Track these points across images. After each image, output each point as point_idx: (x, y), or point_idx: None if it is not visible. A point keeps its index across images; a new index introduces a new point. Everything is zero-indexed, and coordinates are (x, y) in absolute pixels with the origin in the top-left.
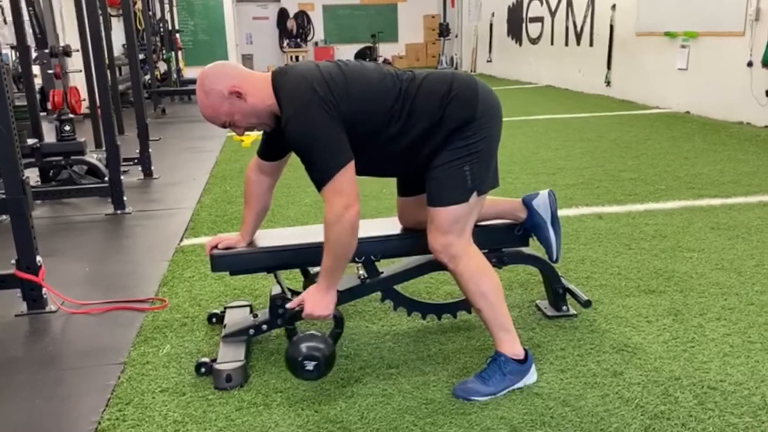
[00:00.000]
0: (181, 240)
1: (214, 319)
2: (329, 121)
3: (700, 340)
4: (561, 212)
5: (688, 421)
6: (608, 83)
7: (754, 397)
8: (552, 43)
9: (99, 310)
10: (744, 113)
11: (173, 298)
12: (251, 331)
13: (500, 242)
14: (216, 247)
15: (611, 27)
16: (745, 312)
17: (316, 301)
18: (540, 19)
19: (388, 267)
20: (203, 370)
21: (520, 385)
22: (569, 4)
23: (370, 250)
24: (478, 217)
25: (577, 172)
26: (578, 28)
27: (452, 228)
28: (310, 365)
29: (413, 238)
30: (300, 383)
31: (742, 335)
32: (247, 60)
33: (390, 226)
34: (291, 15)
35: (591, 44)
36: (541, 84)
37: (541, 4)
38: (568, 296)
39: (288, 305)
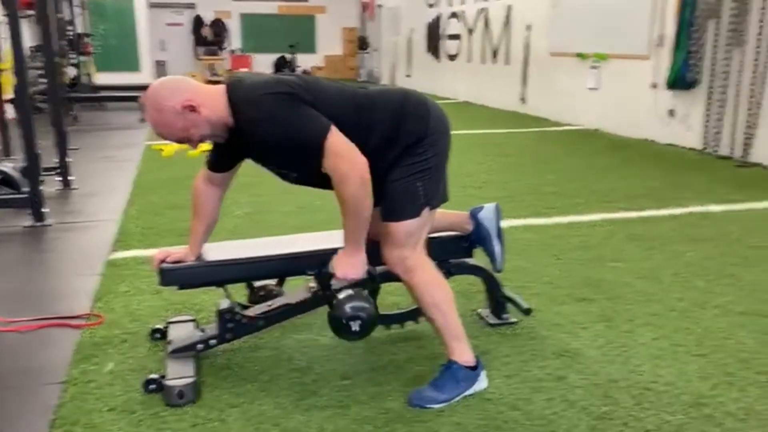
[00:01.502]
0: (111, 253)
1: (157, 335)
2: (298, 104)
3: (632, 344)
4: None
5: (629, 420)
6: (523, 100)
7: (683, 396)
8: (469, 60)
9: (29, 327)
10: (649, 131)
11: (109, 314)
12: (199, 346)
13: (447, 254)
14: (164, 260)
15: (526, 46)
16: (669, 318)
17: (347, 265)
18: (457, 37)
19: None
20: (152, 387)
21: (471, 391)
22: (486, 23)
23: (322, 263)
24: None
25: (501, 186)
26: (495, 47)
27: (406, 242)
28: (355, 325)
29: (369, 251)
30: (254, 398)
31: (669, 339)
32: (160, 66)
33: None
34: (207, 22)
35: (507, 62)
36: (459, 100)
37: (459, 21)
38: (508, 304)
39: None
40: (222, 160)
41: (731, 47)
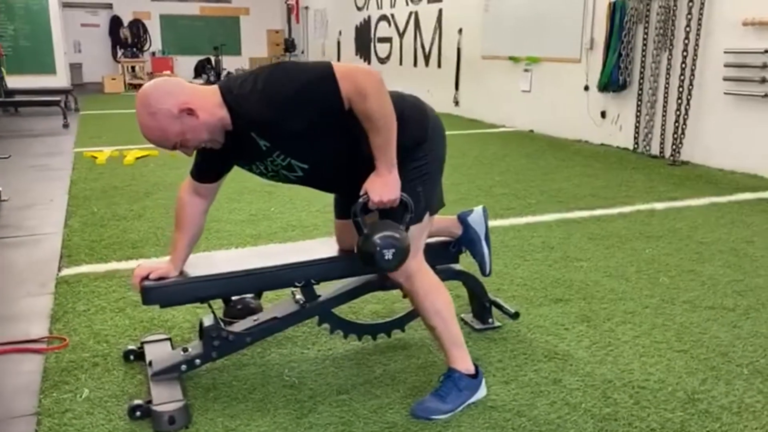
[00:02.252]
0: (60, 270)
1: (131, 356)
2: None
3: (616, 343)
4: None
5: (632, 420)
6: (456, 103)
7: (677, 392)
8: (401, 64)
9: None
10: (582, 132)
11: (73, 336)
12: (183, 367)
13: (436, 260)
14: (147, 277)
15: (458, 50)
16: (644, 315)
17: (382, 186)
18: (388, 40)
19: (324, 290)
20: (138, 413)
21: (473, 399)
22: (417, 26)
23: (311, 274)
24: None
25: (452, 188)
26: (427, 50)
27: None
28: (389, 254)
29: (355, 260)
30: (250, 419)
31: (649, 336)
32: (75, 69)
33: (328, 248)
34: (125, 23)
35: (439, 66)
36: None
37: (389, 25)
38: (493, 309)
39: (361, 200)
40: (209, 169)
41: (659, 50)
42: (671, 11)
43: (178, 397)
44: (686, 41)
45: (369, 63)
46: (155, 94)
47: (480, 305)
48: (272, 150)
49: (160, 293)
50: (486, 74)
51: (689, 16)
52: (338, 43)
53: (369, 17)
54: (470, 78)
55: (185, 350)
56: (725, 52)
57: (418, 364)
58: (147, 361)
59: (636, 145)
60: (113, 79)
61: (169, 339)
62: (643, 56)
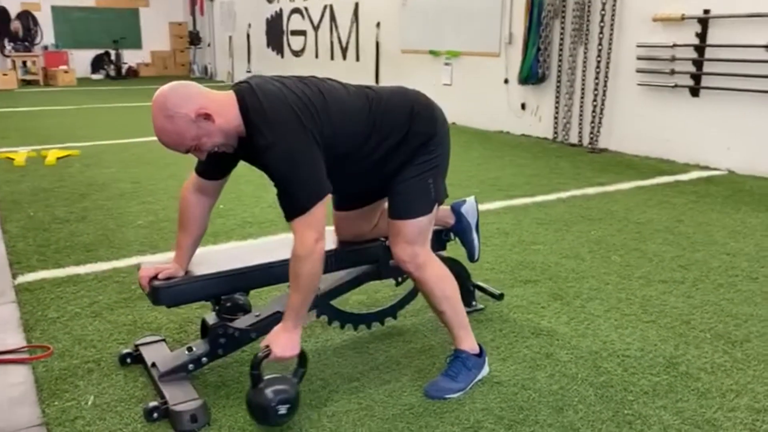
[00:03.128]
0: (15, 277)
1: (128, 360)
2: (312, 150)
3: (591, 318)
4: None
5: (627, 385)
6: None
7: (658, 358)
8: (317, 57)
9: None
10: (503, 123)
11: (54, 343)
12: (191, 366)
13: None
14: (155, 278)
15: (377, 44)
16: (607, 291)
17: (285, 342)
18: (302, 33)
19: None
20: (156, 415)
21: (479, 377)
22: (332, 19)
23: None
24: None
25: None
26: (344, 43)
27: (417, 239)
28: (283, 409)
29: (357, 251)
30: None
31: (618, 310)
32: None
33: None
34: (13, 15)
35: (357, 59)
36: None
37: (303, 18)
38: (477, 292)
39: (259, 352)
40: (217, 166)
41: (576, 45)
42: (586, 7)
43: (194, 395)
44: (601, 36)
45: (282, 56)
46: (173, 98)
47: (465, 289)
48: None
49: (170, 293)
50: (407, 68)
51: (603, 12)
52: (248, 36)
53: (281, 10)
54: (390, 72)
55: (190, 350)
56: (638, 46)
57: (418, 349)
58: (149, 363)
59: (555, 135)
60: (5, 74)
61: (164, 340)
62: (561, 50)
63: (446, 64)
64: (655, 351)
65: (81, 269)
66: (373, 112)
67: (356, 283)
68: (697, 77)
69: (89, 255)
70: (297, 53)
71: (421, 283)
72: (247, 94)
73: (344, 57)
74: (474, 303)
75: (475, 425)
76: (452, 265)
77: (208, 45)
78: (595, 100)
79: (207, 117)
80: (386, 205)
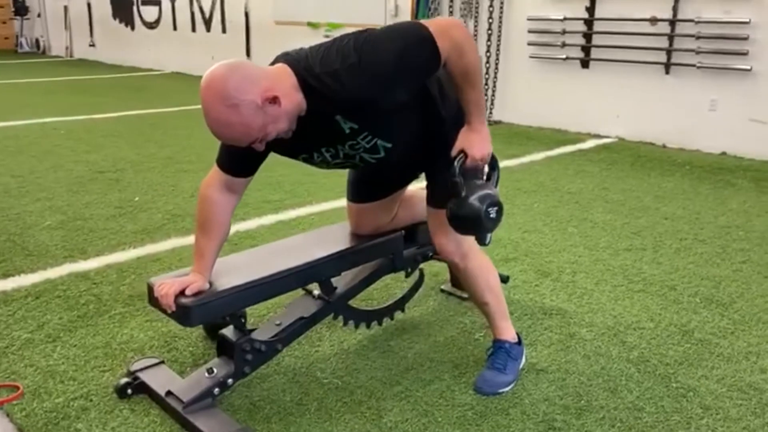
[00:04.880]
0: None
1: (128, 390)
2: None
3: (587, 293)
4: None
5: (660, 357)
6: None
7: (670, 327)
8: (175, 29)
9: None
10: None
11: (19, 380)
12: (216, 391)
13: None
14: (182, 294)
15: (246, 14)
16: (584, 264)
17: (478, 142)
18: (157, 2)
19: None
20: None
21: (521, 366)
22: None
23: (344, 265)
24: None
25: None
26: (207, 14)
27: None
28: (493, 212)
29: (377, 246)
30: (324, 430)
31: (607, 283)
32: None
33: (345, 234)
34: None
35: (224, 31)
36: (167, 71)
37: None
38: None
39: (454, 161)
40: (248, 159)
41: (465, 17)
42: None
43: (235, 425)
44: (491, 9)
45: (132, 29)
46: (234, 82)
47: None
48: (359, 132)
49: (204, 310)
50: (282, 40)
51: None
52: (88, 5)
53: None
54: (264, 44)
55: (210, 371)
56: (528, 20)
57: (441, 342)
58: (161, 392)
59: None
60: None
61: (162, 362)
62: None
63: (326, 36)
64: (664, 320)
65: (4, 285)
66: (439, 80)
67: (373, 279)
68: (586, 50)
69: (4, 267)
70: (151, 25)
71: (466, 274)
72: (301, 58)
73: (208, 29)
74: None
75: (546, 418)
76: None
77: (38, 15)
78: (487, 73)
79: (274, 101)
80: (406, 194)
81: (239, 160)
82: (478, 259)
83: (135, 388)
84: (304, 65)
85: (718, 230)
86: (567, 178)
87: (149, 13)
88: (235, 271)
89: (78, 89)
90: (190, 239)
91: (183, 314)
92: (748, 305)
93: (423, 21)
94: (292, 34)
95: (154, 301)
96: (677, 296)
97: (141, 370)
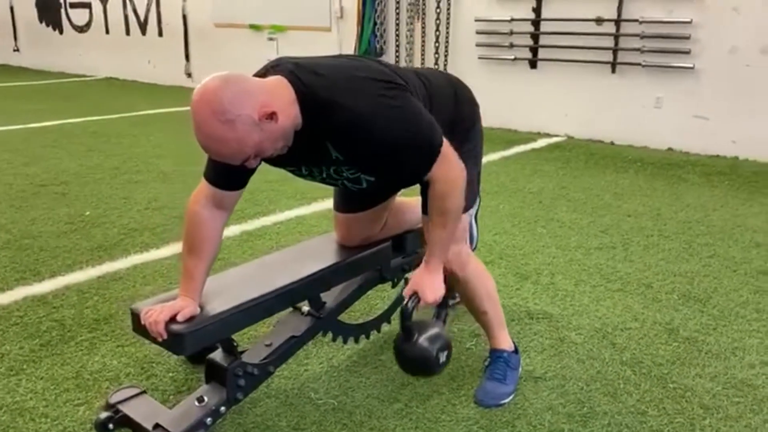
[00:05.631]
0: None
1: (110, 425)
2: (409, 95)
3: (568, 294)
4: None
5: (653, 358)
6: (189, 75)
7: (655, 326)
8: (107, 32)
9: None
10: None
11: None
12: (208, 420)
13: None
14: (173, 320)
15: (184, 17)
16: (559, 264)
17: (431, 285)
18: (86, 5)
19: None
20: None
21: (519, 374)
22: None
23: (337, 279)
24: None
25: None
26: (141, 18)
27: (463, 235)
28: (443, 356)
29: (367, 258)
30: None
31: (586, 283)
32: None
33: (333, 247)
34: None
35: (161, 34)
36: (100, 76)
37: None
38: None
39: (406, 301)
40: (237, 173)
41: (413, 19)
42: None
43: None
44: (438, 10)
45: (61, 32)
46: (230, 96)
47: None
48: (344, 163)
49: (198, 336)
50: (224, 44)
51: None
52: (11, 8)
53: None
54: (204, 48)
55: (201, 400)
56: (476, 21)
57: None
58: (147, 426)
59: None
60: None
61: (144, 392)
62: (398, 25)
63: (270, 39)
64: (648, 320)
65: None
66: (429, 96)
67: (362, 291)
68: (534, 50)
69: None
70: (81, 29)
71: (465, 282)
72: (302, 74)
73: (143, 32)
74: (456, 295)
75: (553, 428)
76: None
77: None
78: None
79: (271, 116)
80: (396, 202)
81: (228, 173)
82: (477, 267)
83: (117, 422)
84: (306, 82)
85: (680, 226)
86: (525, 178)
87: (79, 16)
88: (225, 292)
89: (7, 96)
90: (152, 255)
91: (176, 342)
92: (724, 300)
93: (444, 143)
94: (233, 37)
95: (140, 329)
96: (655, 294)
97: (122, 402)
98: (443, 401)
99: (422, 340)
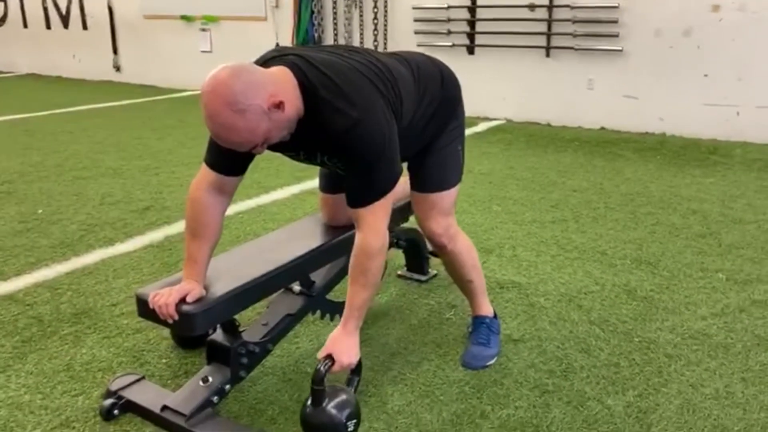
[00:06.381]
0: None
1: (115, 411)
2: (393, 125)
3: (531, 264)
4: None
5: (618, 317)
6: (118, 69)
7: (615, 288)
8: (26, 26)
9: None
10: None
11: None
12: (215, 399)
13: (403, 219)
14: (182, 302)
15: (110, 8)
16: (519, 238)
17: (348, 349)
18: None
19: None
20: None
21: (500, 337)
22: None
23: (331, 256)
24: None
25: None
26: (63, 11)
27: (451, 209)
28: (351, 425)
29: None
30: None
31: (545, 254)
32: None
33: (320, 226)
34: None
35: (85, 27)
36: (20, 72)
37: None
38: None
39: (319, 364)
40: (237, 157)
41: (350, 7)
42: None
43: (245, 429)
44: None
45: None
46: (240, 86)
47: (422, 258)
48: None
49: (208, 316)
50: (153, 35)
51: None
52: None
53: None
54: (132, 41)
55: (205, 380)
56: (414, 8)
57: (416, 324)
58: (154, 409)
59: None
60: None
61: (143, 377)
62: (335, 13)
63: (203, 29)
64: (607, 283)
65: None
66: (417, 81)
67: (347, 270)
68: (471, 37)
69: None
70: None
71: (454, 255)
72: (306, 68)
73: (65, 25)
74: (429, 270)
75: (538, 383)
76: (410, 234)
77: None
78: None
79: (279, 106)
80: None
81: (229, 159)
82: (464, 239)
83: (121, 408)
84: (310, 77)
85: (622, 198)
86: (474, 160)
87: None
88: (225, 274)
89: None
90: (118, 249)
91: (187, 322)
92: (671, 262)
93: (388, 199)
94: (163, 28)
95: (148, 313)
96: (610, 260)
97: (123, 388)
98: (433, 367)
99: (331, 406)
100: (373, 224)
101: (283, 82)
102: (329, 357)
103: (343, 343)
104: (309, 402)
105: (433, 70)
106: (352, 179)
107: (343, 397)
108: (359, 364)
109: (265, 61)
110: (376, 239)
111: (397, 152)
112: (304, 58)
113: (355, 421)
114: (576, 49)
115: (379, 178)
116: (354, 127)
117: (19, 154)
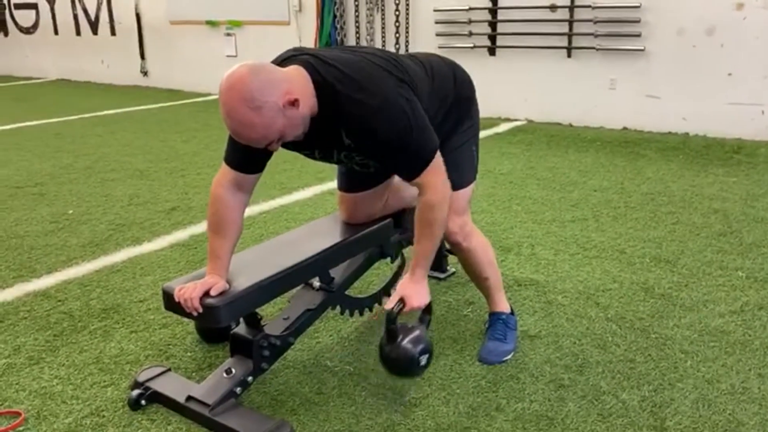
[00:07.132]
0: None
1: (142, 401)
2: (417, 101)
3: (550, 263)
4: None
5: (635, 314)
6: (145, 74)
7: (633, 286)
8: (56, 33)
9: None
10: None
11: (17, 405)
12: (238, 390)
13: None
14: (206, 295)
15: (137, 15)
16: (538, 237)
17: (417, 293)
18: (33, 6)
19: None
20: None
21: (517, 333)
22: None
23: (351, 252)
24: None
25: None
26: (92, 17)
27: (467, 208)
28: (424, 359)
29: (370, 235)
30: (373, 413)
31: (564, 252)
32: None
33: (340, 224)
34: None
35: (113, 33)
36: (51, 78)
37: None
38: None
39: (387, 306)
40: (255, 155)
41: (372, 11)
42: None
43: (267, 419)
44: (397, 2)
45: (6, 34)
46: (257, 84)
47: (440, 256)
48: (354, 149)
49: (231, 309)
50: (180, 41)
51: None
52: None
53: None
54: (159, 46)
55: (229, 372)
56: (435, 11)
57: (433, 321)
58: (180, 399)
59: None
60: None
61: (169, 369)
62: (357, 16)
63: (228, 34)
64: (625, 281)
65: None
66: (432, 79)
67: (366, 267)
68: (492, 38)
69: None
70: (28, 30)
71: (469, 253)
72: (320, 66)
73: (94, 32)
74: (448, 267)
75: (554, 378)
76: None
77: None
78: None
79: (294, 103)
80: (396, 179)
81: (248, 157)
82: (479, 237)
83: (148, 398)
84: (324, 74)
85: (643, 197)
86: (494, 161)
87: (25, 17)
88: (248, 269)
89: None
90: (145, 248)
91: (211, 315)
92: (691, 260)
93: (436, 161)
94: (189, 33)
95: (173, 306)
96: (629, 258)
97: (150, 379)
98: (450, 361)
99: (406, 342)
100: (430, 184)
101: (297, 80)
102: (401, 300)
103: (412, 288)
104: (385, 339)
105: (446, 70)
106: (392, 160)
107: (416, 333)
108: (429, 304)
109: (282, 61)
110: (435, 195)
111: (427, 121)
112: (318, 56)
113: (428, 356)
114: (597, 49)
115: (419, 147)
116: (377, 113)
117: (50, 156)
